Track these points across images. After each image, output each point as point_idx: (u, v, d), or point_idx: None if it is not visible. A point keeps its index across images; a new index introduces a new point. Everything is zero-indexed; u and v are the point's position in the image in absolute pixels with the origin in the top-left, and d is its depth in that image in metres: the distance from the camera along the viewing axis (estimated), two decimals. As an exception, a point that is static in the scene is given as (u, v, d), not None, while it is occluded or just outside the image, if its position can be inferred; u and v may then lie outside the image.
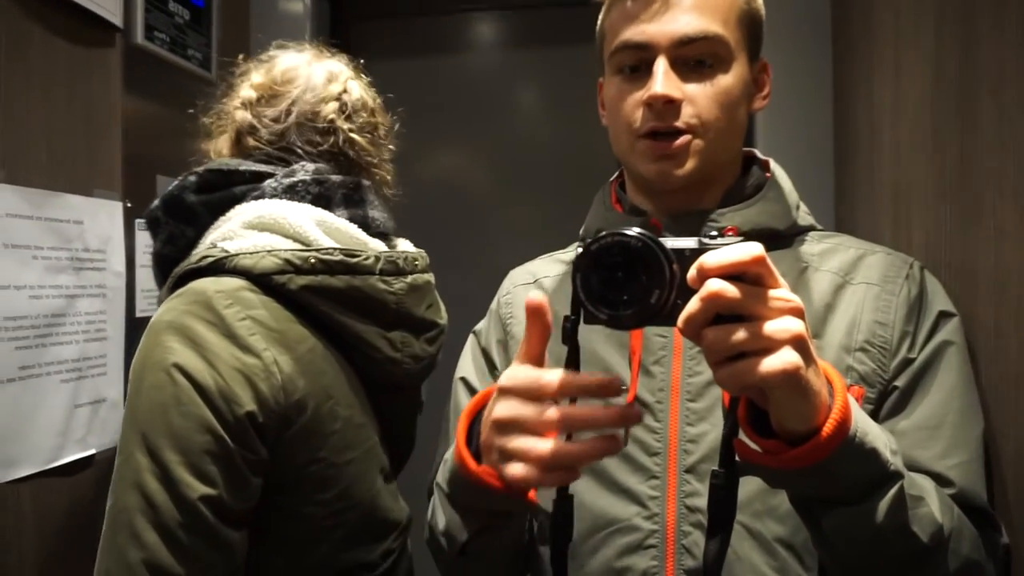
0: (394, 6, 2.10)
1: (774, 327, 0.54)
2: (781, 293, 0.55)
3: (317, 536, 0.86)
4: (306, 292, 0.84)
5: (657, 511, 0.78)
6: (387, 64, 1.90)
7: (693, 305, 0.54)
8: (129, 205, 1.34)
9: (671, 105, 0.80)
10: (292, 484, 0.84)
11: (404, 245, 1.02)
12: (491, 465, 0.64)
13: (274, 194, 0.89)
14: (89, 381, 1.24)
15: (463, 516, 0.75)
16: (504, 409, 0.61)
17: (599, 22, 0.89)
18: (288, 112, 0.96)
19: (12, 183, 1.09)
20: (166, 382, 0.76)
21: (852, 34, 1.46)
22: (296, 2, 1.91)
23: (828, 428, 0.57)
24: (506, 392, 0.61)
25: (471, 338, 1.00)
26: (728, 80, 0.82)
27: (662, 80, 0.80)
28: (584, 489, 0.82)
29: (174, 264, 0.88)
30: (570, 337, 0.62)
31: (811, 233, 0.89)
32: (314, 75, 0.98)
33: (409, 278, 0.94)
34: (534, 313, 0.61)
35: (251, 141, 0.96)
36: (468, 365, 0.96)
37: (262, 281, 0.84)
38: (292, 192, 0.89)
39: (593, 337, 0.83)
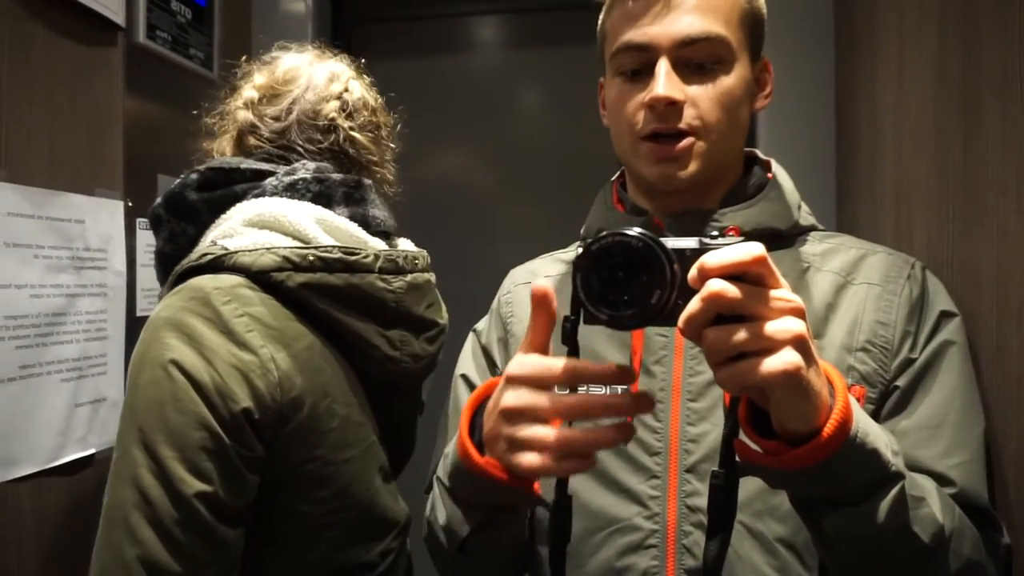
0: (395, 9, 2.10)
1: (775, 327, 0.54)
2: (782, 293, 0.55)
3: (315, 534, 0.86)
4: (304, 289, 0.84)
5: (658, 511, 0.78)
6: (389, 64, 1.90)
7: (694, 305, 0.54)
8: (130, 204, 1.35)
9: (673, 107, 0.80)
10: (289, 482, 0.84)
11: (405, 244, 1.02)
12: (497, 456, 0.63)
13: (274, 192, 0.89)
14: (89, 380, 1.24)
15: (464, 510, 0.74)
16: (513, 398, 0.60)
17: (600, 22, 0.89)
18: (289, 111, 0.96)
19: (13, 182, 1.09)
20: (163, 378, 0.76)
21: (855, 34, 1.45)
22: (298, 2, 1.91)
23: (829, 428, 0.57)
24: (514, 380, 0.61)
25: (471, 336, 0.99)
26: (730, 81, 0.81)
27: (664, 82, 0.79)
28: (584, 489, 0.82)
29: (176, 262, 0.88)
30: (570, 337, 0.62)
31: (812, 233, 0.89)
32: (315, 75, 0.98)
33: (409, 277, 0.94)
34: (539, 301, 0.61)
35: (252, 140, 0.97)
36: (468, 362, 0.96)
37: (261, 278, 0.84)
38: (292, 190, 0.89)
39: (593, 337, 0.83)
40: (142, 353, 0.79)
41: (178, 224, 0.92)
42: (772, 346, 0.53)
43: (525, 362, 0.61)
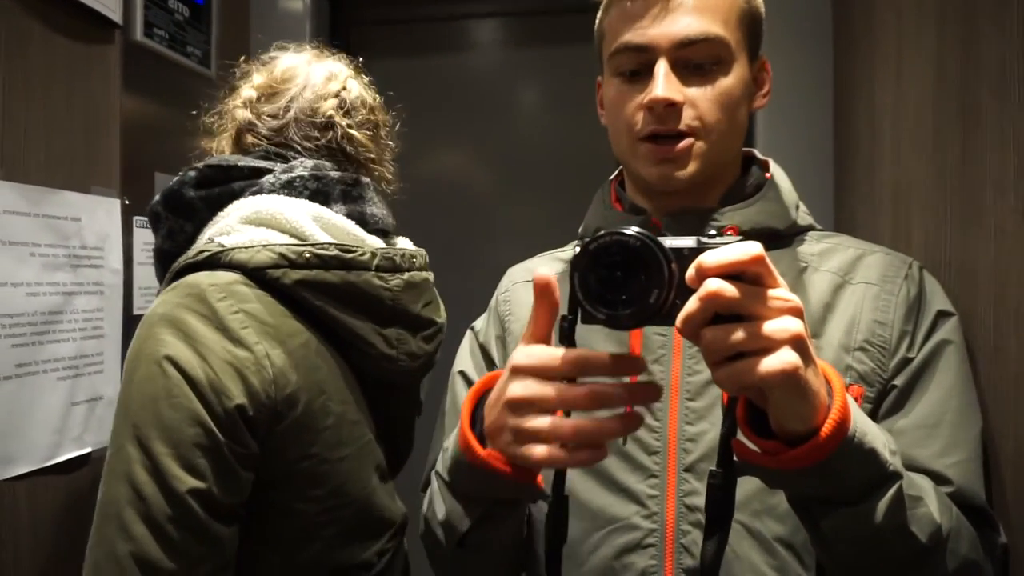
0: (393, 11, 2.10)
1: (773, 327, 0.53)
2: (780, 293, 0.55)
3: (310, 533, 0.86)
4: (300, 287, 0.84)
5: (656, 510, 0.78)
6: (387, 63, 1.90)
7: (691, 305, 0.54)
8: (127, 202, 1.34)
9: (672, 108, 0.80)
10: (284, 480, 0.83)
11: (403, 243, 1.02)
12: (500, 448, 0.63)
13: (272, 189, 0.89)
14: (86, 379, 1.24)
15: (464, 505, 0.73)
16: (520, 388, 0.59)
17: (597, 21, 0.89)
18: (287, 108, 0.96)
19: (10, 180, 1.09)
20: (157, 374, 0.76)
21: (853, 33, 1.45)
22: (296, 0, 1.91)
23: (827, 428, 0.57)
24: (520, 371, 0.60)
25: (468, 334, 0.99)
26: (729, 82, 0.81)
27: (663, 83, 0.79)
28: (583, 488, 0.81)
29: (174, 259, 0.88)
30: (567, 336, 0.62)
31: (810, 233, 0.89)
32: (314, 74, 0.99)
33: (406, 275, 0.94)
34: (542, 290, 0.60)
35: (250, 138, 0.97)
36: (466, 360, 0.96)
37: (257, 275, 0.84)
38: (290, 188, 0.89)
39: (591, 336, 0.83)
40: (137, 349, 0.79)
41: (176, 221, 0.92)
42: (770, 346, 0.53)
43: (531, 352, 0.60)
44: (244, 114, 0.97)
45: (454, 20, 2.09)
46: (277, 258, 0.84)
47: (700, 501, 0.74)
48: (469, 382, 0.93)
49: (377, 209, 0.97)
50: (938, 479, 0.73)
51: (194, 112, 1.02)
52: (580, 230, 0.96)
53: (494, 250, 2.01)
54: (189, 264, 0.85)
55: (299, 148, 0.95)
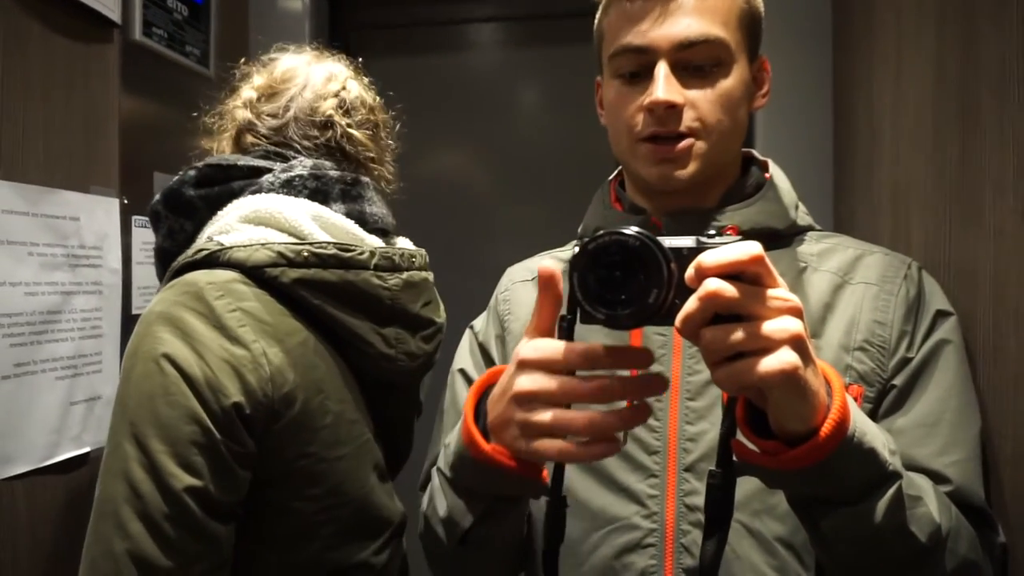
0: (393, 15, 2.10)
1: (772, 327, 0.53)
2: (780, 293, 0.55)
3: (308, 532, 0.86)
4: (299, 285, 0.84)
5: (656, 510, 0.78)
6: (387, 63, 1.90)
7: (691, 304, 0.54)
8: (126, 202, 1.34)
9: (673, 110, 0.79)
10: (281, 478, 0.83)
11: (403, 243, 1.02)
12: (506, 443, 0.62)
13: (271, 188, 0.89)
14: (84, 378, 1.24)
15: (467, 501, 0.73)
16: (528, 382, 0.59)
17: (596, 22, 0.89)
18: (287, 108, 0.96)
19: (9, 179, 1.09)
20: (154, 371, 0.76)
21: (853, 33, 1.45)
22: (295, 0, 1.91)
23: (827, 428, 0.57)
24: (528, 364, 0.60)
25: (468, 333, 0.99)
26: (729, 83, 0.81)
27: (663, 85, 0.79)
28: (583, 487, 0.81)
29: (174, 258, 0.88)
30: (566, 337, 0.61)
31: (810, 233, 0.89)
32: (313, 74, 0.99)
33: (405, 274, 0.94)
34: (546, 282, 0.60)
35: (250, 138, 0.97)
36: (466, 358, 0.96)
37: (255, 274, 0.84)
38: (289, 187, 0.89)
39: (591, 336, 0.82)
40: (135, 347, 0.79)
41: (176, 220, 0.92)
42: (769, 345, 0.53)
43: (539, 346, 0.60)
44: (244, 114, 0.98)
45: (454, 24, 2.09)
46: (275, 257, 0.84)
47: (700, 501, 0.74)
48: (469, 380, 0.93)
49: (377, 208, 0.96)
50: (937, 478, 0.73)
51: (195, 115, 1.03)
52: (580, 230, 0.96)
53: (494, 250, 2.01)
54: (188, 263, 0.85)
55: (298, 147, 0.95)
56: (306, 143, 0.95)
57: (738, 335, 0.53)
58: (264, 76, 0.99)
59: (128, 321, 1.33)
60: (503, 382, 0.62)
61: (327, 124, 0.96)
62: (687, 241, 0.57)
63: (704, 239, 0.57)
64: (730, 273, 0.54)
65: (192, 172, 0.92)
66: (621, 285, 0.56)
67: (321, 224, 0.88)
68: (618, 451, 0.59)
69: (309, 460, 0.84)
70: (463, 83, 2.07)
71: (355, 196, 0.94)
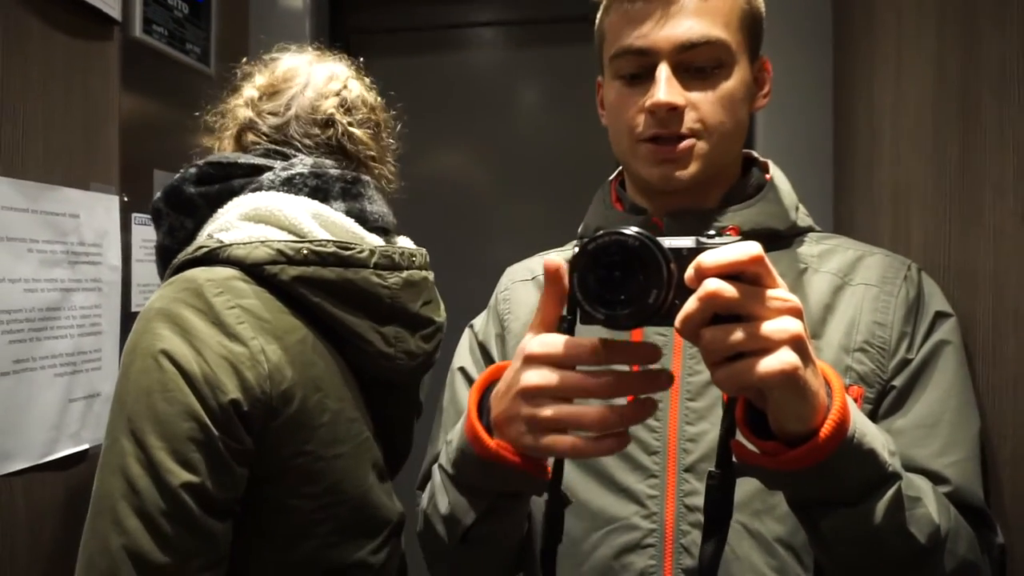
0: (394, 17, 2.09)
1: (772, 327, 0.53)
2: (779, 293, 0.55)
3: (305, 530, 0.86)
4: (298, 283, 0.84)
5: (656, 510, 0.78)
6: (387, 63, 1.90)
7: (691, 305, 0.54)
8: (126, 199, 1.34)
9: (674, 112, 0.79)
10: (278, 476, 0.83)
11: (404, 242, 1.02)
12: (511, 439, 0.62)
13: (271, 186, 0.89)
14: (83, 375, 1.24)
15: (469, 497, 0.72)
16: (535, 377, 0.59)
17: (597, 22, 0.88)
18: (288, 107, 0.96)
19: (8, 176, 1.09)
20: (152, 367, 0.76)
21: (853, 34, 1.45)
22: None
23: (826, 429, 0.57)
24: (535, 359, 0.59)
25: (467, 332, 0.99)
26: (730, 84, 0.81)
27: (665, 87, 0.79)
28: (583, 488, 0.81)
29: (175, 255, 0.89)
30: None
31: (810, 234, 0.89)
32: (315, 74, 0.99)
33: (404, 273, 0.94)
34: (552, 276, 0.60)
35: (251, 136, 0.97)
36: (466, 356, 0.96)
37: (254, 271, 0.84)
38: (289, 185, 0.90)
39: (591, 336, 0.83)
40: (134, 343, 0.79)
41: (177, 218, 0.92)
42: (769, 346, 0.53)
43: (546, 341, 0.59)
44: (245, 112, 0.98)
45: (454, 28, 2.09)
46: (275, 254, 0.84)
47: (700, 501, 0.74)
48: (469, 379, 0.93)
49: (377, 207, 0.96)
50: (936, 479, 0.73)
51: (195, 113, 1.03)
52: (580, 230, 0.96)
53: (494, 250, 2.01)
54: (188, 260, 0.85)
55: (299, 145, 0.95)
56: (307, 141, 0.95)
57: (738, 335, 0.53)
58: (266, 75, 0.99)
59: (127, 318, 1.33)
60: (508, 377, 0.62)
61: (328, 122, 0.96)
62: (687, 241, 0.57)
63: (704, 239, 0.57)
64: (730, 273, 0.54)
65: (193, 170, 0.92)
66: (621, 285, 0.56)
67: (321, 222, 0.89)
68: (627, 446, 0.58)
69: (307, 458, 0.84)
70: (463, 84, 2.07)
71: (355, 194, 0.94)
